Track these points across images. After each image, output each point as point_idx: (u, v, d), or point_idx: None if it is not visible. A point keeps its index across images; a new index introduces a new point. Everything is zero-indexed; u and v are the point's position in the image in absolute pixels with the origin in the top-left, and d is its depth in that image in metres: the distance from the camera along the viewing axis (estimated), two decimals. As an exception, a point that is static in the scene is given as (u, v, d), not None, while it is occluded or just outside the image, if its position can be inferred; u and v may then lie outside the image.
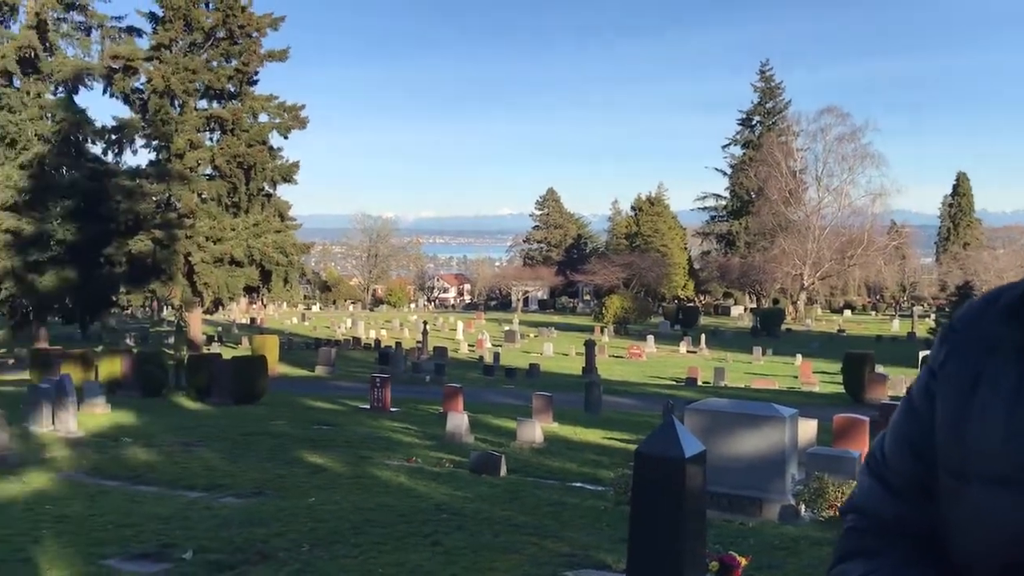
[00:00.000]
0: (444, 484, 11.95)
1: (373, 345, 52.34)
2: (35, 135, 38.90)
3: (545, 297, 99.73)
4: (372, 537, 8.38)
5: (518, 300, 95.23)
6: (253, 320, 73.15)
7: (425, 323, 55.89)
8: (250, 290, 43.75)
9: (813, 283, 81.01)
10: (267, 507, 10.01)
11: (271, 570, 7.37)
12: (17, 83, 39.97)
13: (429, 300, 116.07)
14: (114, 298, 42.17)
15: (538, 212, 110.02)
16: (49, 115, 39.84)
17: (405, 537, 8.40)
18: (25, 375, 30.83)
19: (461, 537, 8.40)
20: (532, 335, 60.48)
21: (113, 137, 40.47)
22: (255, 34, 40.38)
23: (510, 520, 9.29)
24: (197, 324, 42.67)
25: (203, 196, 40.29)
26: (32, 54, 38.89)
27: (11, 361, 38.36)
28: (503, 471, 13.04)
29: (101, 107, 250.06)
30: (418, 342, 47.87)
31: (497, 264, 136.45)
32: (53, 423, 16.29)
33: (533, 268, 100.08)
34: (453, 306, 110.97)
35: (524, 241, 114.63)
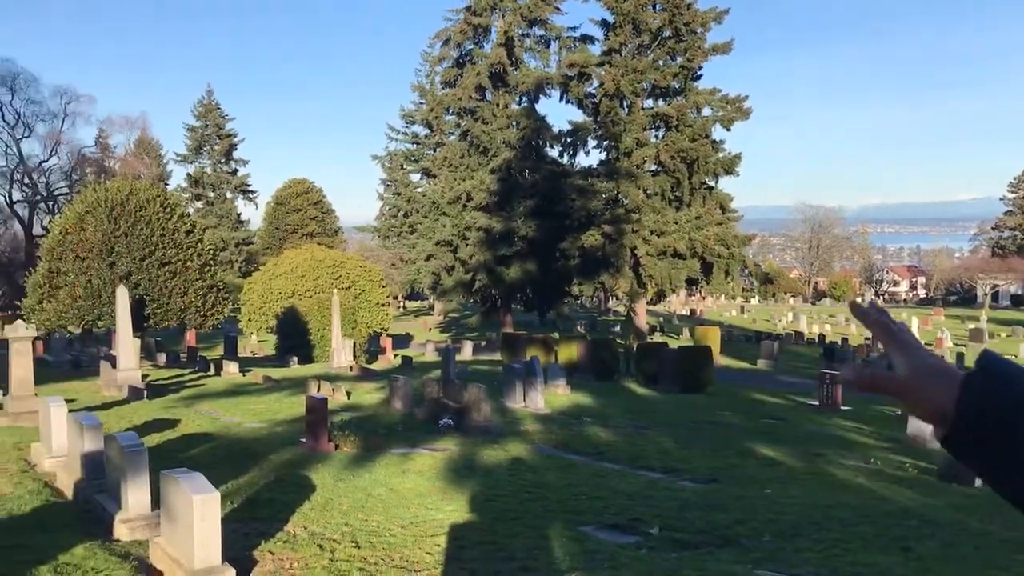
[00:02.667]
0: (909, 489, 11.03)
1: (817, 340, 50.37)
2: (503, 142, 43.46)
3: (1020, 292, 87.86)
4: (835, 534, 8.01)
5: (985, 295, 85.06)
6: (692, 311, 74.34)
7: (874, 318, 52.18)
8: (691, 282, 44.50)
9: None
10: (724, 494, 10.05)
11: (735, 555, 7.38)
12: (488, 96, 44.99)
13: (877, 294, 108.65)
14: (567, 289, 45.56)
15: (1011, 195, 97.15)
16: (514, 123, 44.24)
17: (871, 538, 7.90)
18: (495, 356, 34.58)
19: (935, 546, 7.68)
20: (1003, 334, 53.63)
21: (568, 140, 43.71)
22: (699, 30, 40.89)
23: (992, 534, 8.28)
24: (642, 314, 44.47)
25: (648, 191, 41.82)
26: (501, 69, 43.50)
27: (483, 343, 43.28)
28: (978, 482, 11.70)
29: (557, 113, 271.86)
30: (867, 338, 45.00)
31: (957, 255, 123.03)
32: (524, 400, 18.01)
33: (1004, 259, 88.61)
34: (905, 300, 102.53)
35: (992, 229, 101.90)
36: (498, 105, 44.51)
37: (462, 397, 15.31)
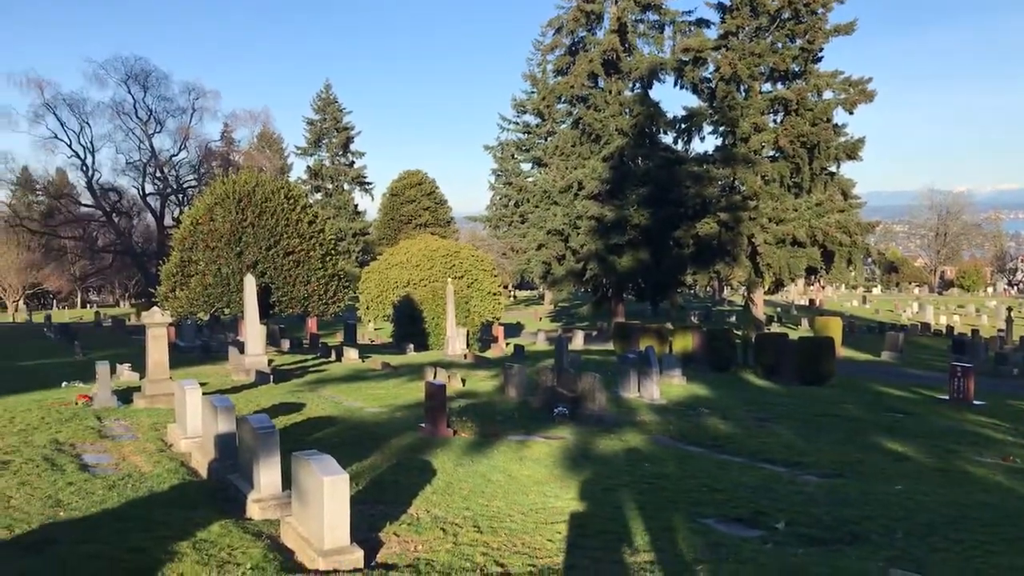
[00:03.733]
0: (1054, 491, 10.40)
1: (944, 332, 48.14)
2: (616, 130, 43.07)
3: None
4: (975, 535, 7.63)
5: None
6: (812, 301, 72.20)
7: (1009, 309, 49.65)
8: (810, 271, 43.12)
9: None
10: (850, 489, 9.70)
11: (865, 552, 7.11)
12: (601, 83, 44.64)
13: (1010, 284, 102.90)
14: (681, 278, 44.86)
15: None
16: (627, 110, 43.77)
17: (1016, 540, 7.48)
18: (607, 346, 34.41)
19: (1092, 553, 7.20)
20: None
21: (682, 126, 42.95)
22: (820, 11, 39.47)
23: None
24: (760, 304, 43.42)
25: (766, 178, 40.71)
26: (614, 55, 43.07)
27: (594, 333, 43.12)
28: None
29: (671, 99, 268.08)
30: (999, 330, 42.75)
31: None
32: (638, 390, 17.84)
33: None
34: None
35: None
36: (610, 92, 44.11)
37: (576, 386, 15.28)
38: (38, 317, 58.75)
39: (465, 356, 27.99)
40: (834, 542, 7.46)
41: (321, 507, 6.30)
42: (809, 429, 14.75)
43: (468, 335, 32.62)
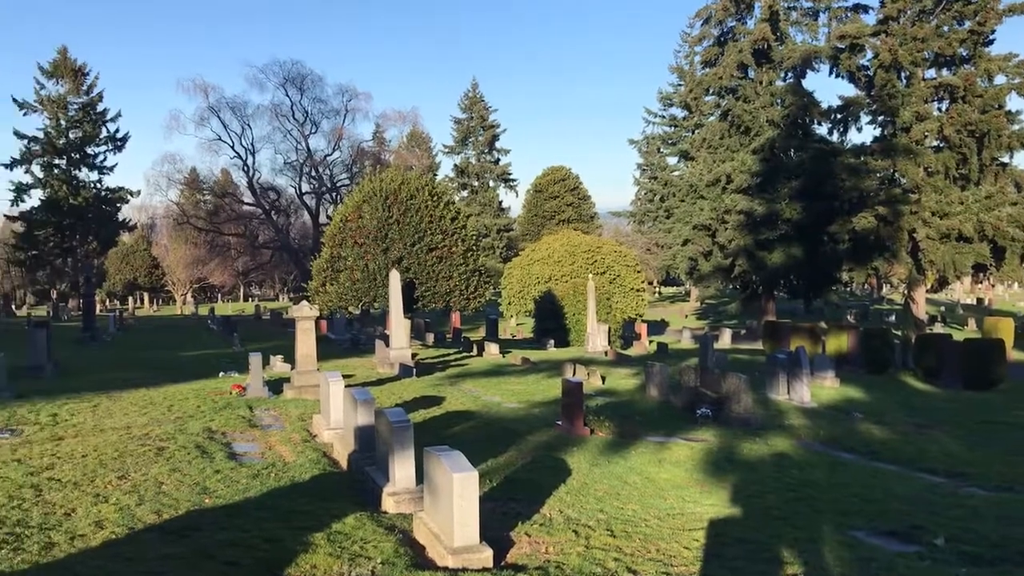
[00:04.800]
0: None
1: None
2: (766, 121, 41.58)
3: None
4: None
5: None
6: (979, 300, 67.65)
7: None
8: (978, 268, 40.28)
9: None
10: (1022, 505, 8.87)
11: (1042, 579, 6.43)
12: (751, 74, 43.22)
13: None
14: (836, 275, 42.89)
15: None
16: (778, 101, 42.17)
17: None
18: (756, 345, 33.27)
19: None
20: None
21: (838, 116, 40.97)
22: (993, -12, 36.73)
23: None
24: (921, 303, 40.93)
25: (929, 169, 38.29)
26: (765, 45, 41.59)
27: (743, 331, 41.83)
28: None
29: (825, 88, 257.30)
30: None
31: None
32: (788, 392, 17.07)
33: None
34: None
35: None
36: (761, 83, 42.64)
37: (721, 387, 14.74)
38: (203, 310, 62.33)
39: (606, 353, 27.67)
40: (1002, 562, 6.79)
41: (451, 503, 6.22)
42: (974, 437, 13.67)
43: (609, 332, 32.26)
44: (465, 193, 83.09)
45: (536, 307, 36.96)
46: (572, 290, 34.47)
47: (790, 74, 42.81)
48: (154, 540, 6.39)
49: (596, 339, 29.13)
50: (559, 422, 12.80)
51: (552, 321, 34.38)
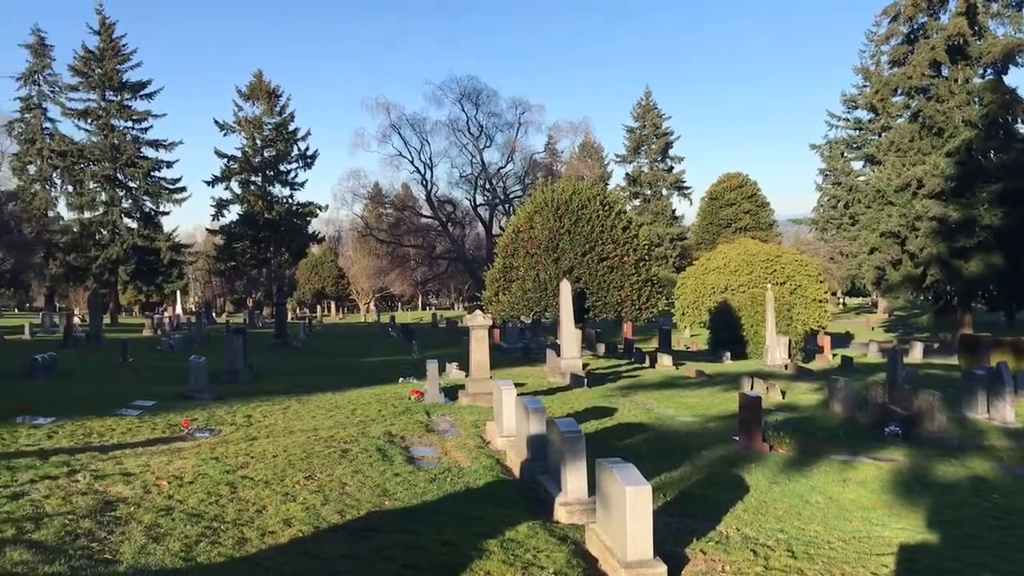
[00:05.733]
0: None
1: None
2: (962, 121, 38.89)
3: None
4: None
5: None
6: None
7: None
8: None
9: None
10: None
11: None
12: (944, 72, 40.57)
13: None
14: (1043, 285, 39.48)
15: None
16: (976, 99, 39.34)
17: None
18: (950, 360, 31.06)
19: None
20: None
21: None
22: None
23: None
24: None
25: None
26: (960, 41, 38.92)
27: (936, 345, 39.19)
28: None
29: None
30: None
31: None
32: (987, 411, 15.81)
33: None
34: None
35: None
36: (956, 81, 39.91)
37: (912, 404, 13.84)
38: (384, 318, 64.93)
39: (785, 367, 26.63)
40: None
41: (624, 517, 6.13)
42: None
43: (790, 344, 31.05)
44: (637, 202, 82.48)
45: (711, 318, 36.12)
46: (750, 301, 33.44)
47: (989, 70, 39.85)
48: (337, 539, 6.65)
49: (775, 352, 28.10)
50: (736, 437, 12.41)
51: (728, 333, 33.48)
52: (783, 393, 18.61)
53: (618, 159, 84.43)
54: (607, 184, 78.34)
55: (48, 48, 59.31)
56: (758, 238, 54.26)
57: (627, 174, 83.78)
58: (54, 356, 20.10)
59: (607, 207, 33.56)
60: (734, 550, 7.06)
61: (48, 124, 59.24)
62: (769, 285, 33.11)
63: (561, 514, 7.83)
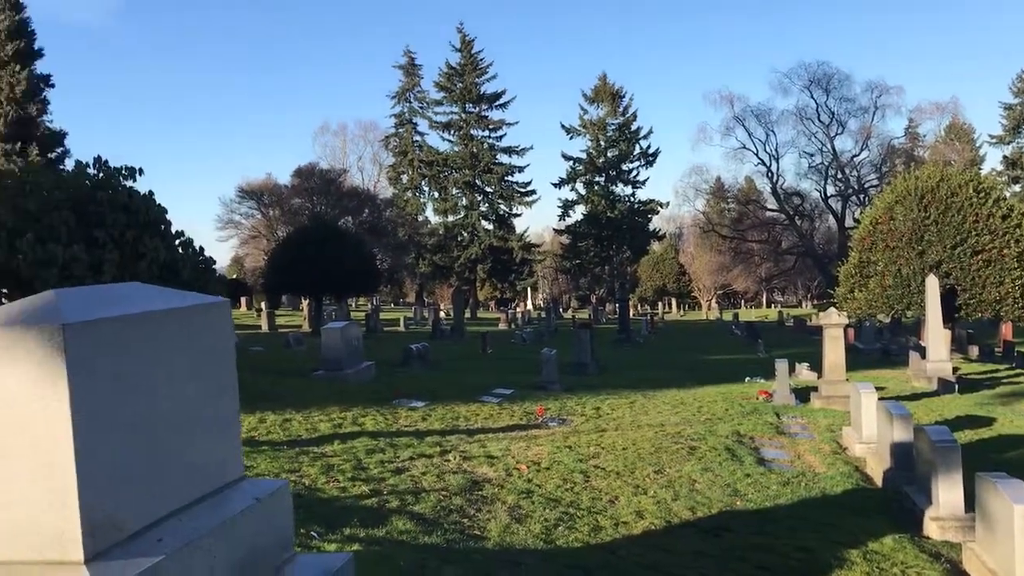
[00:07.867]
0: None
1: None
2: None
3: None
4: None
5: None
6: None
7: None
8: None
9: None
10: None
11: None
12: None
13: None
14: None
15: None
16: None
17: None
18: None
19: None
20: None
21: None
22: None
23: None
24: None
25: None
26: None
27: None
28: None
29: None
30: None
31: None
32: None
33: None
34: None
35: None
36: None
37: None
38: (727, 315, 63.82)
39: None
40: None
41: (1011, 538, 5.49)
42: None
43: None
44: (1018, 187, 73.23)
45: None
46: None
47: None
48: (688, 535, 6.65)
49: None
50: None
51: None
52: None
53: (993, 140, 75.44)
54: (980, 169, 70.44)
55: (417, 68, 65.93)
56: None
57: (1005, 156, 74.57)
58: (426, 346, 22.23)
59: (982, 194, 30.15)
60: None
61: (417, 137, 65.86)
62: None
63: (932, 529, 7.19)
